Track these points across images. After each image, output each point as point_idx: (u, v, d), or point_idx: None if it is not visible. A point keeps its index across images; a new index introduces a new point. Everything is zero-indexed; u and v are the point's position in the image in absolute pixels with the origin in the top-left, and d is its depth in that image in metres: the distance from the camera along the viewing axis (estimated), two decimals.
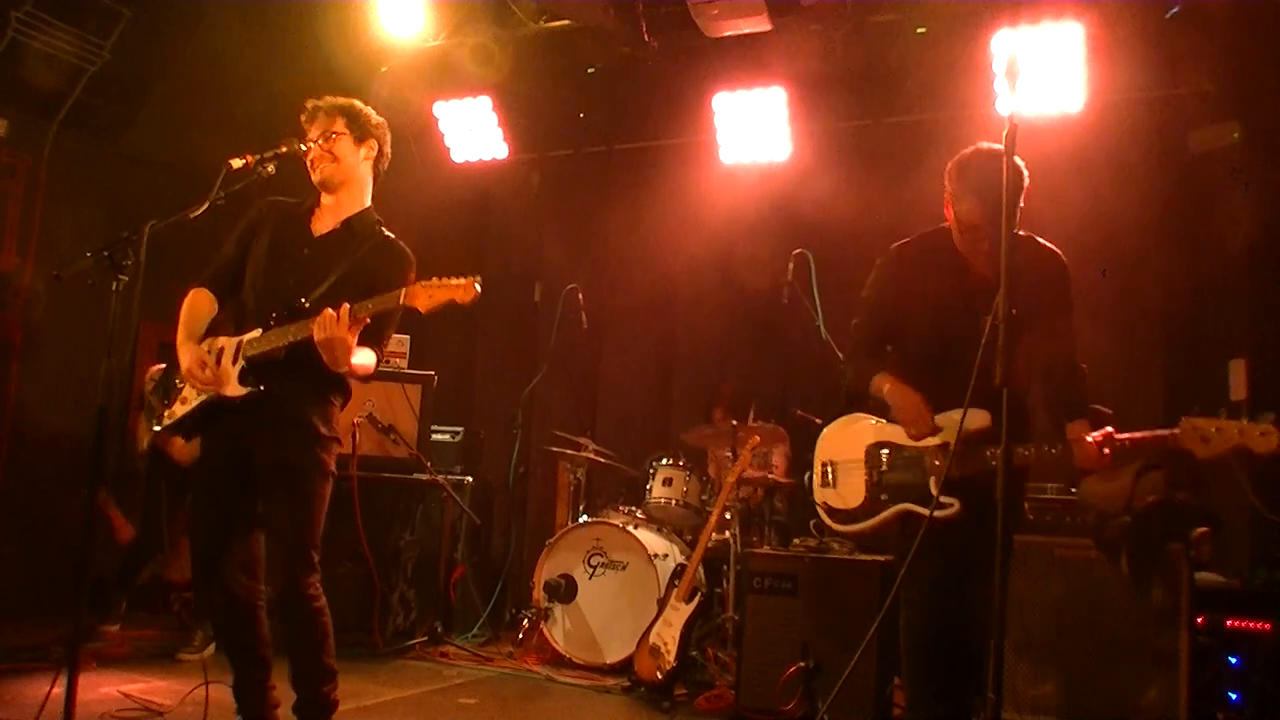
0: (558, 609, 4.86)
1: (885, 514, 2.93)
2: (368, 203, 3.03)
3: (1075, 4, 4.90)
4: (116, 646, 4.61)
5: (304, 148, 2.91)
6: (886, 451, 2.98)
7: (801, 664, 3.76)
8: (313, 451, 2.83)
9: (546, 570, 4.92)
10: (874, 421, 3.05)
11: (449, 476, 5.28)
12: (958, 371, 2.55)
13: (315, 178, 2.95)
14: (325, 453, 2.87)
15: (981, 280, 2.80)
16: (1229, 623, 3.41)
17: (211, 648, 4.56)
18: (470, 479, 5.49)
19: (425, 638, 5.06)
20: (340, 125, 2.94)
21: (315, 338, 2.66)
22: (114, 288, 2.66)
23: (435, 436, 5.47)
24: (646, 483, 5.16)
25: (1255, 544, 4.17)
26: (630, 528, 4.84)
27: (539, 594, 4.89)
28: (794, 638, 3.82)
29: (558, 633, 4.84)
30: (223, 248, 3.02)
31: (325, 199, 2.99)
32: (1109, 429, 2.66)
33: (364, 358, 2.82)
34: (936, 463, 2.83)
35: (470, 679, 4.50)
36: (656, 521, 5.09)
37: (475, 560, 5.67)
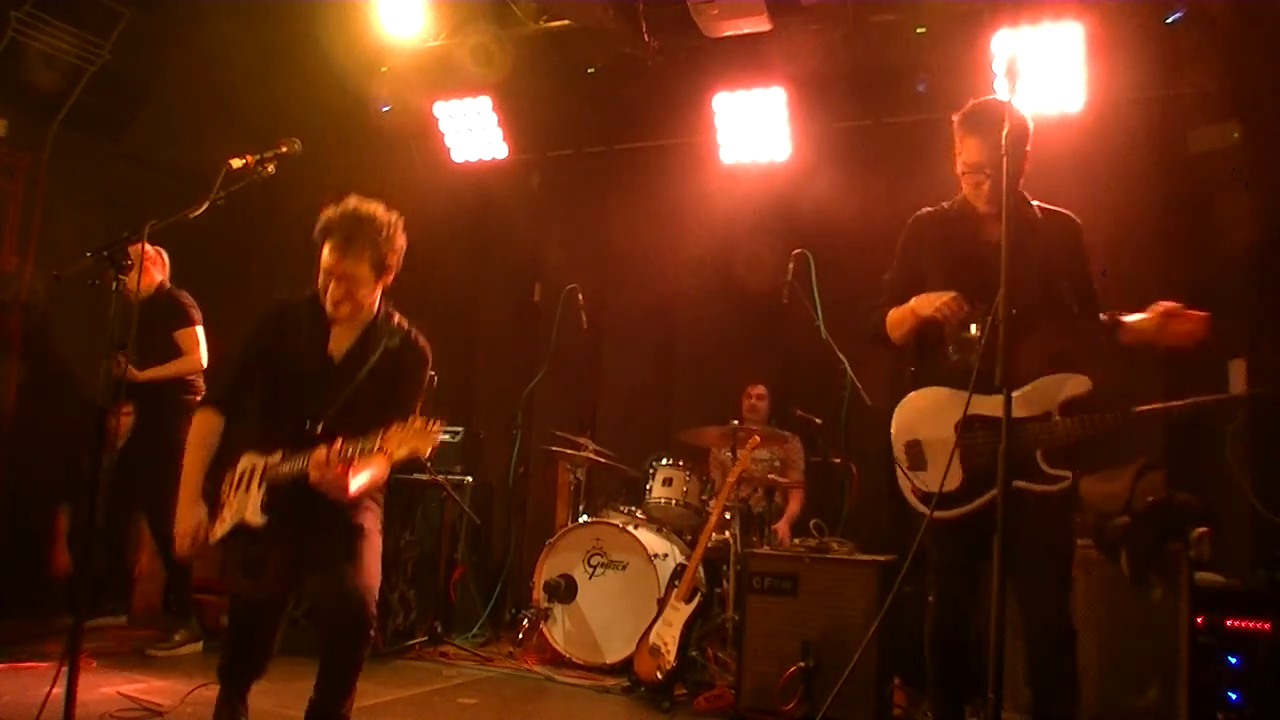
0: (558, 609, 4.86)
1: (990, 495, 2.69)
2: (378, 300, 2.95)
3: (1075, 4, 4.90)
4: (116, 646, 4.61)
5: (321, 270, 2.81)
6: (981, 426, 2.78)
7: (801, 664, 3.77)
8: (361, 539, 2.81)
9: (546, 570, 4.92)
10: (952, 393, 2.87)
11: (449, 476, 5.28)
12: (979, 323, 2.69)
13: (329, 310, 2.85)
14: (376, 529, 2.87)
15: (995, 232, 2.74)
16: (1229, 623, 3.41)
17: (196, 647, 4.56)
18: (470, 479, 5.48)
19: (425, 638, 5.06)
20: (365, 271, 2.81)
21: (310, 479, 2.61)
22: (114, 288, 2.67)
23: None
24: (646, 483, 5.16)
25: (1255, 544, 4.17)
26: (630, 528, 4.84)
27: (539, 594, 4.89)
28: (794, 638, 3.83)
29: (558, 633, 4.84)
30: (233, 363, 2.97)
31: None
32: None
33: (362, 480, 2.70)
34: (1043, 436, 2.75)
35: (470, 679, 4.50)
36: (656, 521, 5.09)
37: (475, 560, 5.67)
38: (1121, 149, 5.05)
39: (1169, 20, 4.90)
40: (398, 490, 5.10)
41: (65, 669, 2.47)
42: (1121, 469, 3.82)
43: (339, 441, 2.58)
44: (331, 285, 2.81)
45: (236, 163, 2.81)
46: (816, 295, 4.82)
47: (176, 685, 3.76)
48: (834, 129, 5.93)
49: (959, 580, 2.89)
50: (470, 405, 6.69)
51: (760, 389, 5.64)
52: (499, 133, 6.37)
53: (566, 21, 5.75)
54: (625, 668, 4.48)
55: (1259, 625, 3.38)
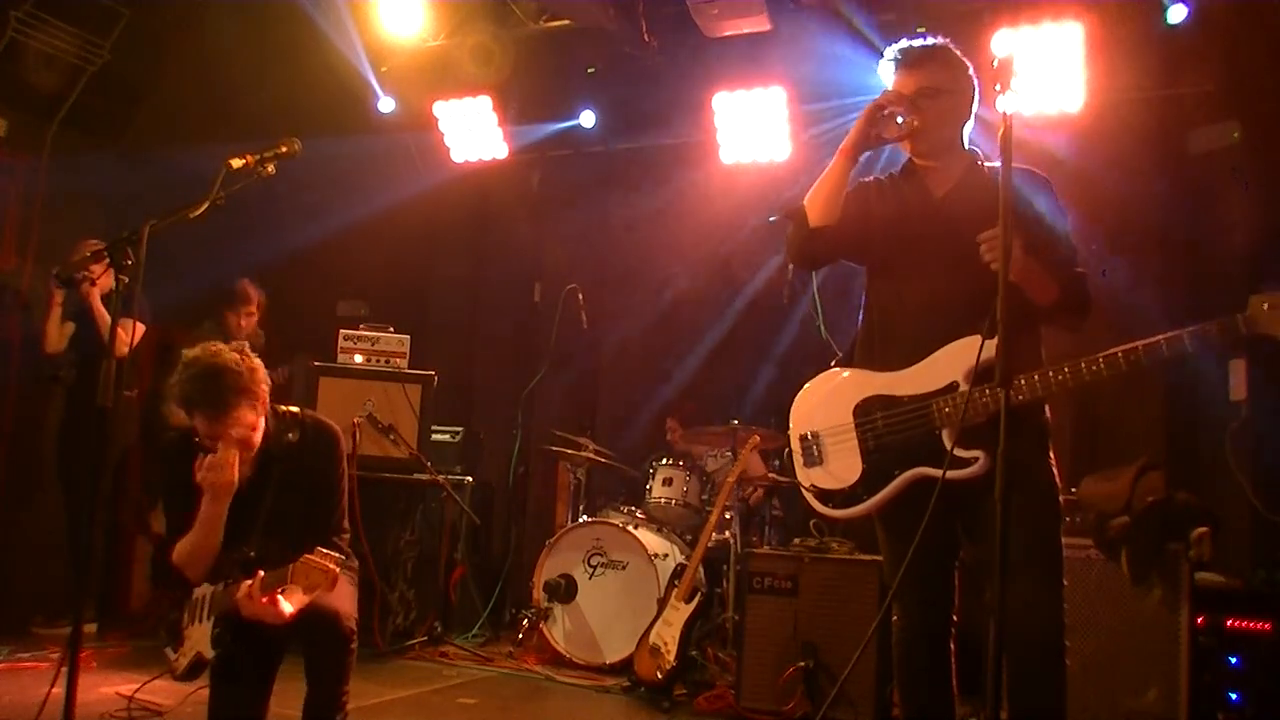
0: (558, 609, 4.86)
1: (892, 485, 2.46)
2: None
3: (1075, 4, 4.90)
4: (117, 647, 4.61)
5: (203, 435, 2.71)
6: (879, 407, 2.52)
7: (801, 664, 3.77)
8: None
9: (546, 570, 4.92)
10: (852, 374, 2.63)
11: (449, 476, 5.28)
12: (924, 280, 2.52)
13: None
14: (346, 579, 2.82)
15: (937, 186, 2.71)
16: (1229, 623, 3.41)
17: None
18: (470, 479, 5.48)
19: (425, 638, 5.06)
20: (250, 419, 2.72)
21: (243, 614, 2.61)
22: (114, 287, 2.66)
23: (435, 436, 5.46)
24: (646, 483, 5.17)
25: (1255, 544, 4.17)
26: (630, 527, 4.85)
27: (539, 594, 4.89)
28: (794, 638, 3.83)
29: (558, 633, 4.85)
30: (171, 500, 2.91)
31: None
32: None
33: (300, 598, 2.61)
34: (947, 410, 2.38)
35: (470, 679, 4.50)
36: (656, 521, 5.09)
37: (475, 560, 5.67)
38: (1121, 149, 5.05)
39: (1169, 21, 4.90)
40: (398, 490, 5.11)
41: (65, 669, 2.46)
42: (1121, 469, 3.82)
43: (259, 575, 2.57)
44: (231, 459, 2.72)
45: (236, 163, 2.79)
46: (816, 295, 4.82)
47: (176, 685, 3.74)
48: (835, 129, 5.92)
49: (919, 592, 2.55)
50: (470, 405, 6.69)
51: (671, 421, 5.82)
52: (499, 133, 6.37)
53: (566, 21, 5.76)
54: (625, 668, 4.48)
55: (1259, 625, 3.39)
